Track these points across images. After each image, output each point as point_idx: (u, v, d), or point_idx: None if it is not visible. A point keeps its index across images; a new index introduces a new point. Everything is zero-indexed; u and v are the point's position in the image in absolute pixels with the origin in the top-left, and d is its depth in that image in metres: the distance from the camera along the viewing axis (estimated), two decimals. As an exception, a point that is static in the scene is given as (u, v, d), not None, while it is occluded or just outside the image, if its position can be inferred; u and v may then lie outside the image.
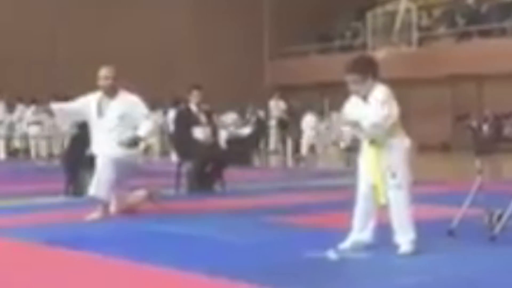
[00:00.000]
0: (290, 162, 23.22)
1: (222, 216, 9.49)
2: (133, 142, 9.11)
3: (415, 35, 27.85)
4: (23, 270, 6.29)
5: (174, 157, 13.11)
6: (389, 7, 28.75)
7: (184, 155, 12.60)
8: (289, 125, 26.51)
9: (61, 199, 11.32)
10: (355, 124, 6.63)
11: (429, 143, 24.95)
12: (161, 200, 9.96)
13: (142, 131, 9.14)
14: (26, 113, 24.34)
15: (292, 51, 32.01)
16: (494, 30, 26.97)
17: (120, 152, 9.03)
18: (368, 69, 6.67)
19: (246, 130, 21.97)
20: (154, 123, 9.85)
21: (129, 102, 9.31)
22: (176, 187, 12.30)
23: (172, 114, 17.84)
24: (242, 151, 19.40)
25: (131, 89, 9.56)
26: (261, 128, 24.44)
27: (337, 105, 7.54)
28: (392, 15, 28.29)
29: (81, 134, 10.71)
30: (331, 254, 6.45)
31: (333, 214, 9.01)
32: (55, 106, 9.84)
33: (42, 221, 9.03)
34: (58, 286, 5.80)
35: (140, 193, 9.64)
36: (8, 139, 24.74)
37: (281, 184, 14.04)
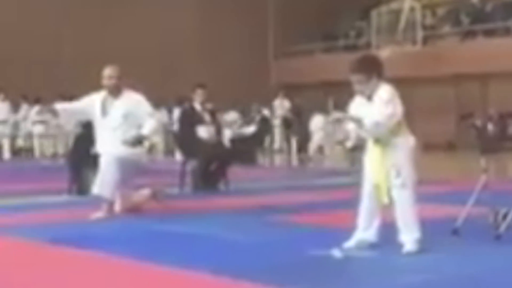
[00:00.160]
0: (294, 161, 23.21)
1: (226, 215, 9.49)
2: (137, 141, 9.12)
3: (419, 34, 27.80)
4: (27, 269, 6.29)
5: (178, 156, 13.10)
6: (394, 6, 28.69)
7: (188, 154, 12.61)
8: (294, 124, 26.50)
9: (65, 198, 11.33)
10: (358, 122, 6.62)
11: (434, 142, 24.92)
12: (165, 199, 9.97)
13: (146, 130, 9.14)
14: (31, 112, 24.35)
15: (297, 50, 31.99)
16: (498, 29, 26.92)
17: (124, 151, 9.03)
18: (372, 69, 6.66)
19: (250, 129, 21.96)
20: (158, 122, 9.85)
21: (133, 101, 9.32)
22: (180, 186, 12.30)
23: (176, 113, 17.85)
24: (246, 150, 19.39)
25: (135, 88, 9.56)
26: (265, 127, 24.42)
27: (342, 104, 7.52)
28: (397, 14, 28.25)
29: (85, 133, 10.72)
30: (336, 253, 6.44)
31: (338, 213, 9.00)
32: (59, 106, 9.85)
33: (46, 220, 9.04)
34: (62, 285, 5.80)
35: (145, 192, 9.65)
36: (13, 138, 24.75)
37: (285, 183, 14.03)
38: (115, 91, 9.27)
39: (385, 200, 6.59)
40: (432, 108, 26.94)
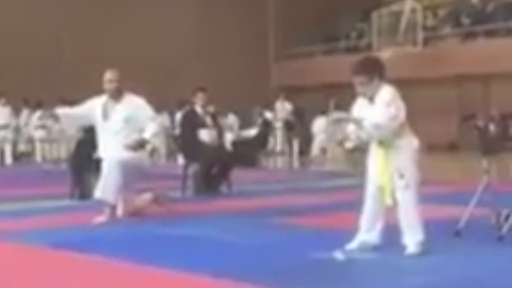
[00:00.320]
0: (296, 163, 23.21)
1: (228, 217, 9.49)
2: (139, 145, 9.12)
3: (420, 35, 27.82)
4: (29, 273, 6.29)
5: (180, 159, 13.10)
6: (395, 7, 28.71)
7: (190, 157, 12.60)
8: (295, 127, 26.50)
9: (67, 202, 11.32)
10: (358, 123, 6.62)
11: (436, 143, 24.91)
12: (167, 203, 9.96)
13: (147, 134, 9.15)
14: (32, 117, 24.35)
15: (298, 52, 32.01)
16: (499, 30, 26.91)
17: (126, 154, 9.03)
18: (374, 70, 6.66)
19: (252, 132, 21.96)
20: (159, 125, 9.85)
21: (134, 105, 9.32)
22: (182, 189, 12.29)
23: (178, 116, 17.84)
24: (248, 152, 19.39)
25: (137, 91, 9.56)
26: (267, 130, 24.42)
27: (343, 106, 7.52)
28: (398, 15, 28.26)
29: (87, 138, 10.72)
30: (338, 255, 6.44)
31: (340, 215, 9.00)
32: (61, 111, 9.85)
33: (49, 225, 9.03)
34: (65, 289, 5.81)
35: (147, 196, 9.64)
36: (14, 143, 24.75)
37: (287, 185, 14.02)
38: (116, 95, 9.27)
39: (389, 201, 6.58)
40: (433, 109, 26.94)
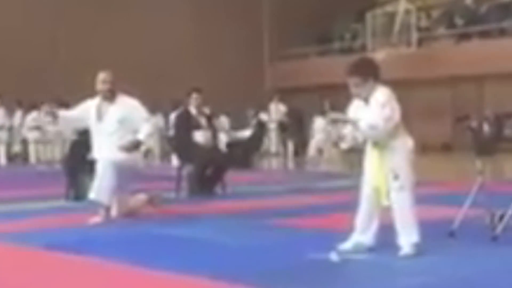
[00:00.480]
0: (291, 164, 23.22)
1: (222, 219, 9.49)
2: (133, 146, 9.13)
3: (414, 36, 27.85)
4: (23, 274, 6.28)
5: (174, 160, 13.09)
6: (388, 8, 28.74)
7: (184, 158, 12.59)
8: (289, 128, 26.51)
9: (62, 203, 11.31)
10: (354, 124, 6.63)
11: (430, 144, 24.95)
12: (162, 204, 9.96)
13: (142, 135, 9.15)
14: (27, 118, 24.33)
15: (292, 54, 32.02)
16: (493, 30, 26.96)
17: (120, 156, 9.03)
18: (369, 71, 6.67)
19: (246, 133, 21.95)
20: (153, 126, 9.85)
21: (128, 106, 9.32)
22: (176, 190, 12.29)
23: (172, 117, 17.84)
24: (242, 154, 19.38)
25: (131, 93, 9.56)
26: (262, 131, 24.43)
27: (338, 107, 7.53)
28: (392, 16, 28.29)
29: (82, 139, 10.72)
30: (334, 256, 6.44)
31: (335, 216, 9.01)
32: (60, 112, 9.81)
33: (43, 226, 9.02)
34: (59, 290, 5.80)
35: (141, 197, 9.64)
36: (8, 144, 24.72)
37: (282, 187, 14.02)
38: (110, 96, 9.28)
39: (385, 202, 6.59)
40: (428, 110, 26.99)
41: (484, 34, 27.00)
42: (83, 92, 9.80)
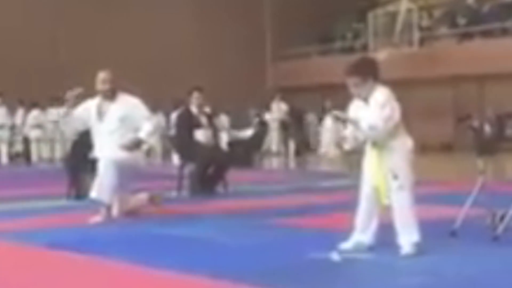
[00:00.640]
0: (292, 163, 23.22)
1: (224, 218, 9.49)
2: (135, 145, 9.13)
3: (416, 35, 27.85)
4: (25, 273, 6.29)
5: (176, 159, 13.09)
6: (390, 7, 28.74)
7: (186, 157, 12.59)
8: (291, 127, 26.55)
9: (63, 202, 11.32)
10: (356, 124, 6.63)
11: (431, 144, 24.97)
12: (163, 203, 9.96)
13: (143, 133, 9.15)
14: (28, 116, 24.36)
15: (294, 53, 32.02)
16: (495, 30, 26.95)
17: (122, 154, 9.03)
18: (368, 71, 6.67)
19: (248, 132, 21.97)
20: (155, 125, 9.84)
21: (129, 105, 9.32)
22: (178, 189, 12.29)
23: (173, 116, 17.84)
24: (244, 153, 19.39)
25: (132, 92, 9.56)
26: (263, 130, 24.46)
27: (339, 107, 7.53)
28: (393, 15, 28.30)
29: (83, 138, 10.71)
30: (334, 256, 6.44)
31: (336, 216, 9.00)
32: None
33: (45, 224, 9.03)
34: (60, 289, 5.81)
35: (142, 196, 9.64)
36: (10, 143, 24.74)
37: (283, 186, 14.02)
38: (110, 95, 9.27)
39: (385, 201, 6.59)
40: (429, 110, 26.98)
41: (486, 34, 26.99)
42: (84, 91, 9.77)
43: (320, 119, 26.64)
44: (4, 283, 5.90)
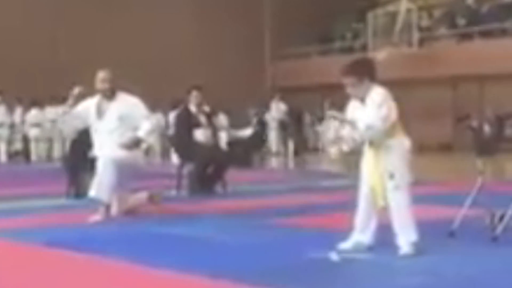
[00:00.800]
0: (291, 163, 23.23)
1: (223, 217, 9.49)
2: (134, 143, 9.13)
3: (415, 35, 27.85)
4: (24, 272, 6.29)
5: (175, 159, 13.09)
6: (390, 8, 28.74)
7: (185, 156, 12.58)
8: (290, 127, 26.56)
9: (62, 201, 11.32)
10: (352, 124, 6.64)
11: (430, 144, 24.96)
12: (162, 202, 9.96)
13: (142, 132, 9.16)
14: (28, 115, 24.36)
15: (293, 53, 32.01)
16: (494, 30, 26.94)
17: (121, 153, 9.03)
18: (364, 71, 6.69)
19: (247, 132, 21.95)
20: (154, 123, 9.84)
21: (128, 104, 9.33)
22: (177, 188, 12.29)
23: (172, 116, 17.83)
24: (243, 152, 19.38)
25: (131, 91, 9.57)
26: (263, 130, 24.46)
27: (338, 107, 7.54)
28: (393, 16, 28.29)
29: (82, 136, 10.71)
30: (333, 256, 6.44)
31: (335, 215, 9.00)
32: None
33: (44, 223, 9.03)
34: (58, 287, 5.81)
35: (142, 195, 9.64)
36: (9, 142, 24.73)
37: (282, 186, 14.02)
38: (110, 94, 9.28)
39: (381, 203, 6.60)
40: (428, 110, 26.97)
41: (486, 34, 26.99)
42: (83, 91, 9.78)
43: (320, 119, 26.63)
44: (2, 282, 5.90)
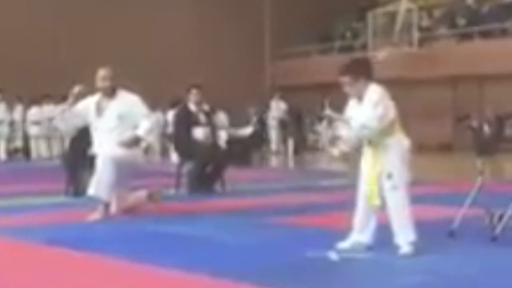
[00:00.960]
0: (291, 162, 23.22)
1: (222, 216, 9.48)
2: (133, 142, 9.12)
3: (415, 35, 27.83)
4: (23, 270, 6.28)
5: (174, 157, 13.08)
6: (390, 7, 28.73)
7: (184, 155, 12.58)
8: (290, 126, 26.54)
9: (61, 199, 11.31)
10: (347, 123, 6.65)
11: (430, 144, 24.96)
12: (161, 200, 9.96)
13: (141, 131, 9.15)
14: (28, 113, 24.36)
15: (293, 52, 32.00)
16: (494, 30, 26.94)
17: (120, 151, 9.03)
18: (360, 71, 6.71)
19: (247, 131, 21.95)
20: (154, 122, 9.84)
21: (128, 102, 9.32)
22: (176, 187, 12.29)
23: (170, 115, 17.82)
24: (242, 151, 19.37)
25: (131, 89, 9.56)
26: (263, 128, 24.43)
27: (338, 106, 7.54)
28: (393, 15, 28.28)
29: (81, 134, 10.71)
30: (332, 255, 6.44)
31: (335, 215, 9.00)
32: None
33: (43, 221, 9.02)
34: (58, 286, 5.80)
35: (141, 193, 9.64)
36: (9, 139, 24.72)
37: (282, 185, 14.02)
38: (110, 92, 9.28)
39: (376, 202, 6.59)
40: (428, 110, 26.97)
41: (486, 34, 26.98)
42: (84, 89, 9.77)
43: (319, 118, 26.65)
44: (1, 280, 5.90)
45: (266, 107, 27.36)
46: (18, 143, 24.95)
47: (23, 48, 26.49)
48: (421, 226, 6.60)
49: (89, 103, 9.39)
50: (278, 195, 12.02)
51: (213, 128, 12.93)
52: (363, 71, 6.71)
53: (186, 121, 12.53)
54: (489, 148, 7.73)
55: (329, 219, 8.89)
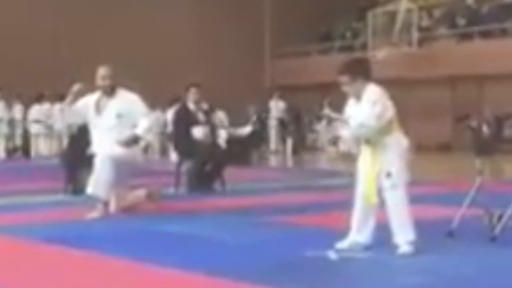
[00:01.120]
0: (290, 162, 23.22)
1: (221, 215, 9.48)
2: (132, 141, 9.12)
3: (415, 35, 27.84)
4: (22, 268, 6.28)
5: (173, 156, 13.08)
6: (390, 7, 28.74)
7: (183, 154, 12.57)
8: (289, 125, 26.54)
9: (60, 197, 11.31)
10: (345, 122, 6.67)
11: (429, 143, 24.96)
12: (160, 199, 9.95)
13: (140, 130, 9.14)
14: (30, 111, 24.36)
15: (293, 51, 32.01)
16: (494, 30, 26.94)
17: (119, 150, 9.02)
18: (357, 70, 6.72)
19: (246, 130, 21.95)
20: (153, 121, 9.84)
21: (127, 101, 9.32)
22: (175, 186, 12.28)
23: (169, 113, 17.81)
24: (242, 150, 19.37)
25: (131, 87, 9.55)
26: (262, 128, 24.43)
27: (337, 106, 7.55)
28: (393, 15, 28.29)
29: (81, 133, 10.71)
30: (331, 254, 6.44)
31: (333, 214, 8.99)
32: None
33: (42, 220, 9.02)
34: (56, 284, 5.79)
35: (140, 192, 9.63)
36: (8, 138, 24.71)
37: (281, 184, 14.02)
38: (109, 91, 9.27)
39: (373, 200, 6.59)
40: (428, 110, 26.98)
41: (486, 34, 26.98)
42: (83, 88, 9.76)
43: (319, 118, 26.65)
44: (0, 278, 5.89)
45: (265, 107, 27.37)
46: (18, 141, 24.95)
47: (22, 46, 26.51)
48: (420, 226, 6.60)
49: (89, 101, 9.39)
50: (277, 195, 12.02)
51: (212, 127, 12.93)
52: (361, 70, 6.72)
53: (185, 120, 12.52)
54: (488, 148, 7.73)
55: (328, 219, 8.88)
